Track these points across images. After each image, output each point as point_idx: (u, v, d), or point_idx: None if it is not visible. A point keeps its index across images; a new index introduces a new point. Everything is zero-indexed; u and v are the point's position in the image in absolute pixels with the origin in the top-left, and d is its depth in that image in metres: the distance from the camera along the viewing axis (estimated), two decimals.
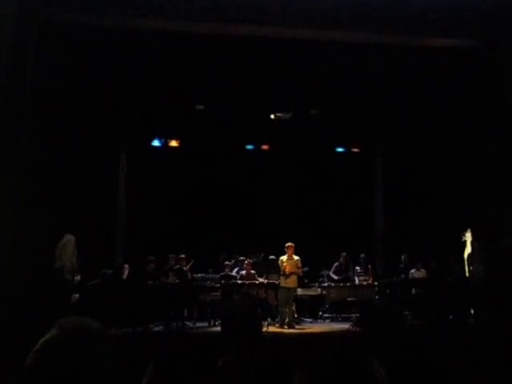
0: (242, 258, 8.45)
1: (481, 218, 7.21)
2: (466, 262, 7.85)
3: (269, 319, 7.33)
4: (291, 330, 7.15)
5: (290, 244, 7.52)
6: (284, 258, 7.53)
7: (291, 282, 7.48)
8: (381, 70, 7.71)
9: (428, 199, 9.26)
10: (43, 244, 6.75)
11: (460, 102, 7.90)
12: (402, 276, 8.48)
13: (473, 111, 7.65)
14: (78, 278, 7.59)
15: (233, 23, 6.62)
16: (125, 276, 8.06)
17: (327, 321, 8.47)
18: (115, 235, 9.45)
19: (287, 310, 7.40)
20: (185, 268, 8.10)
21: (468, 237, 8.03)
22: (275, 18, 6.51)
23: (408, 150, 9.62)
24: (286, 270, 7.39)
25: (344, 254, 8.86)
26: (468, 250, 7.79)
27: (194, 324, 7.89)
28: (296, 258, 7.55)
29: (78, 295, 7.35)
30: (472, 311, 7.44)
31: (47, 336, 0.91)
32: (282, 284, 7.48)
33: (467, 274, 7.69)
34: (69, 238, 6.81)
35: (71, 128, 7.43)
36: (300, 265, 7.59)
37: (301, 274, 7.71)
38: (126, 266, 8.24)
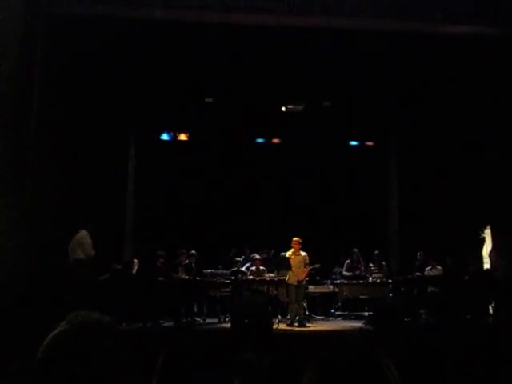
0: (252, 254, 8.32)
1: (506, 214, 6.90)
2: (484, 259, 7.57)
3: (279, 316, 7.17)
4: (302, 328, 6.98)
5: (296, 239, 7.22)
6: (289, 253, 7.28)
7: (300, 278, 7.27)
8: (396, 61, 7.44)
9: (444, 194, 8.97)
10: (53, 238, 6.74)
11: (479, 94, 7.58)
12: (418, 274, 8.24)
13: (493, 104, 7.33)
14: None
15: (242, 13, 6.45)
16: (134, 271, 8.02)
17: (339, 319, 8.31)
18: (124, 230, 9.41)
19: (297, 307, 7.22)
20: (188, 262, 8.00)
21: (487, 233, 7.75)
22: (286, 6, 6.32)
23: (424, 143, 9.32)
24: (294, 267, 7.16)
25: (355, 250, 8.63)
26: (488, 246, 7.50)
27: (204, 320, 7.83)
28: (303, 253, 7.31)
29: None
30: (490, 310, 7.17)
31: (56, 330, 0.91)
32: (290, 281, 7.26)
33: (485, 272, 7.40)
34: (83, 234, 6.91)
35: (80, 122, 7.38)
36: (307, 261, 7.35)
37: (306, 270, 7.38)
38: (136, 261, 8.20)
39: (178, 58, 7.50)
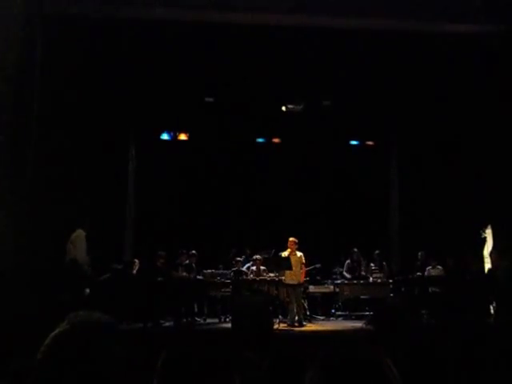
0: (253, 254, 8.31)
1: (507, 214, 6.89)
2: (485, 259, 7.55)
3: (280, 316, 7.15)
4: (302, 328, 6.96)
5: (292, 239, 7.25)
6: (285, 254, 7.25)
7: (297, 278, 7.25)
8: (397, 60, 7.43)
9: (445, 194, 8.95)
10: (54, 238, 6.74)
11: (480, 93, 7.56)
12: (418, 274, 8.22)
13: (495, 102, 7.31)
14: (88, 272, 7.60)
15: (242, 12, 6.45)
16: (135, 271, 8.01)
17: (340, 319, 8.29)
18: (125, 230, 9.40)
19: (297, 307, 7.20)
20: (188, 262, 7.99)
21: (488, 233, 7.73)
22: (286, 5, 6.32)
23: (425, 143, 9.31)
24: (293, 267, 7.15)
25: (355, 250, 8.62)
26: (489, 246, 7.49)
27: (205, 320, 7.82)
28: (299, 254, 7.31)
29: (88, 290, 7.35)
30: (491, 310, 7.15)
31: (57, 330, 0.91)
32: (287, 281, 7.23)
33: (486, 272, 7.39)
34: (79, 233, 6.85)
35: (80, 122, 7.37)
36: (304, 261, 7.36)
37: (303, 270, 7.39)
38: (136, 261, 8.20)
39: (178, 57, 7.50)
